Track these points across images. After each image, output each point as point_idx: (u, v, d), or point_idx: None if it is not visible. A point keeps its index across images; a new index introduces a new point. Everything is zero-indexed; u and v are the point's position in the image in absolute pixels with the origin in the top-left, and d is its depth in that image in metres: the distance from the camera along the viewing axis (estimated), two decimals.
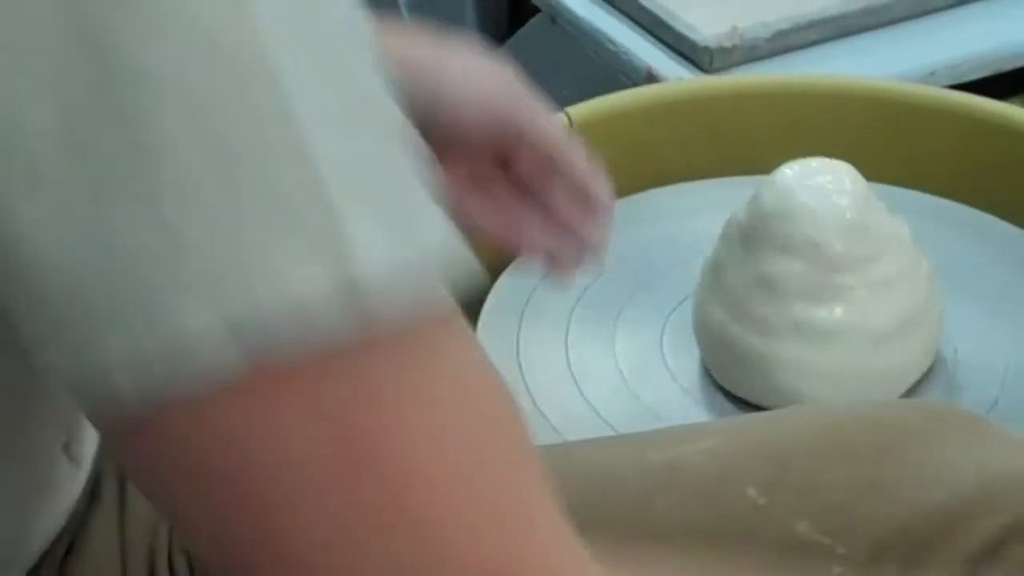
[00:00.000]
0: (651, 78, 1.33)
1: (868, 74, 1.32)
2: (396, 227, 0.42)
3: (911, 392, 1.02)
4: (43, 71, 0.40)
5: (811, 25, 1.37)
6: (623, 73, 1.37)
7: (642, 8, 1.39)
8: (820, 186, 0.99)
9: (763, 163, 1.06)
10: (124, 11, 0.40)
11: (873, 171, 1.06)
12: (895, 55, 1.36)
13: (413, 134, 0.44)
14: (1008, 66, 1.37)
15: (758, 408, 1.00)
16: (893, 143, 1.23)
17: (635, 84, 1.35)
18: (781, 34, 1.35)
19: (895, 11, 1.40)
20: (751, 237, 1.00)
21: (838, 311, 0.99)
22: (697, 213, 1.16)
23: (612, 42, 1.39)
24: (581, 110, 1.19)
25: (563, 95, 1.42)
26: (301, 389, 0.42)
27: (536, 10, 1.51)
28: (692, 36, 1.34)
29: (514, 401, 0.47)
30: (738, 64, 1.34)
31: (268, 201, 0.41)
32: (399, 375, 0.43)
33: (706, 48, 1.33)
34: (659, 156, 1.21)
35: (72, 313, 0.41)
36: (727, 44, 1.33)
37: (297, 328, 0.41)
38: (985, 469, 0.71)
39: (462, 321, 0.45)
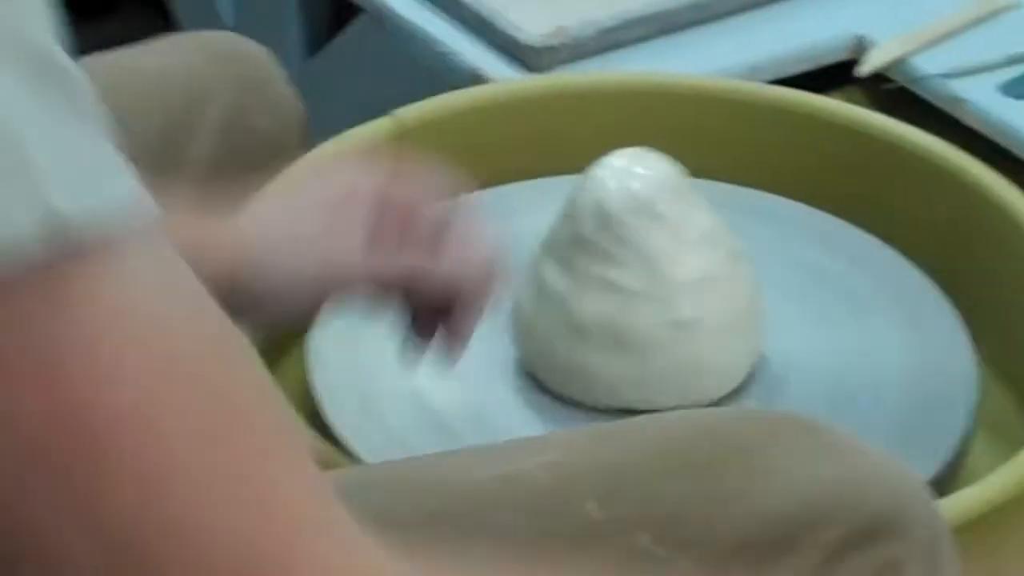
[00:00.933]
0: (478, 79, 1.32)
1: (694, 70, 1.32)
2: (84, 178, 0.46)
3: (735, 394, 1.02)
4: None
5: (637, 22, 1.37)
6: (450, 74, 1.35)
7: (466, 8, 1.37)
8: (633, 175, 0.99)
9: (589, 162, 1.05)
10: None
11: (699, 168, 1.06)
12: (720, 51, 1.37)
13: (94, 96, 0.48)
14: (828, 60, 1.38)
15: (581, 405, 1.00)
16: (717, 139, 1.23)
17: (462, 85, 1.34)
18: (607, 31, 1.35)
19: (720, 6, 1.40)
20: (568, 237, 0.99)
21: (652, 308, 0.98)
22: (518, 214, 1.15)
23: (437, 43, 1.37)
24: (409, 112, 1.18)
25: (388, 96, 1.41)
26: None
27: (359, 10, 1.49)
28: (517, 35, 1.33)
29: (245, 345, 0.49)
30: (565, 63, 1.33)
31: None
32: (89, 293, 0.46)
33: (531, 47, 1.32)
34: (484, 158, 1.19)
35: None
36: (553, 43, 1.32)
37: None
38: (823, 477, 0.70)
39: (155, 253, 0.48)
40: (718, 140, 1.23)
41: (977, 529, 0.88)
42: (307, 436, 0.88)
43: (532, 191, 1.18)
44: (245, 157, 1.05)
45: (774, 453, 0.71)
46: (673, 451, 0.72)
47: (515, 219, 1.14)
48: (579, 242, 0.99)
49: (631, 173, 0.99)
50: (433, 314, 0.87)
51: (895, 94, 1.35)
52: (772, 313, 1.06)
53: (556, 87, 1.27)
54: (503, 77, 1.31)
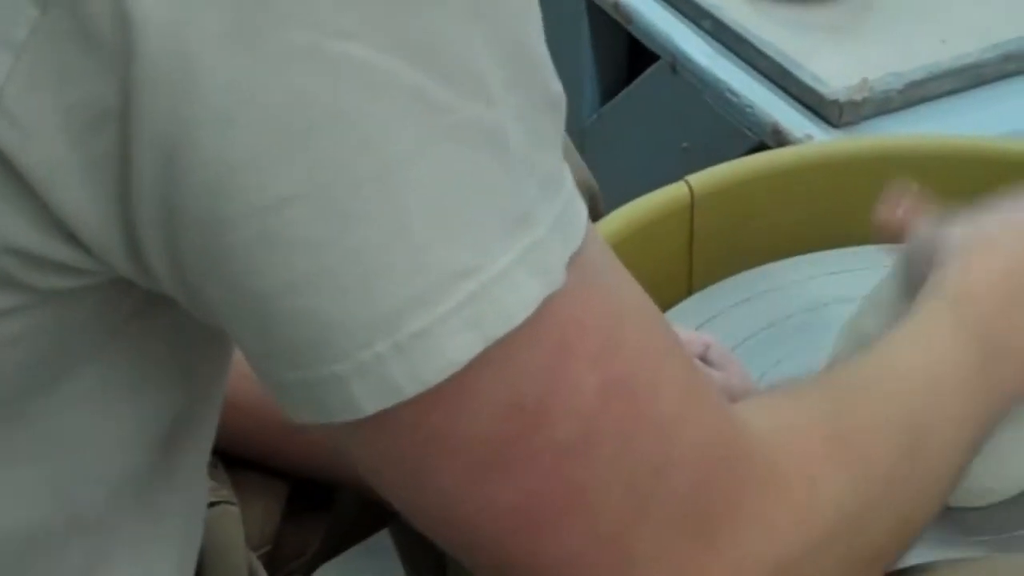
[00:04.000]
0: (776, 132, 1.27)
1: (1005, 126, 1.25)
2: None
3: None
4: None
5: (946, 74, 1.30)
6: (746, 127, 1.31)
7: (766, 57, 1.32)
8: None
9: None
10: None
11: None
12: None
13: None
14: None
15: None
16: None
17: (759, 137, 1.29)
18: (914, 85, 1.29)
19: None
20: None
21: None
22: (822, 284, 1.09)
23: (735, 93, 1.33)
24: (702, 178, 1.13)
25: (682, 147, 1.37)
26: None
27: (656, 57, 1.45)
28: (819, 88, 1.28)
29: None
30: (869, 117, 1.27)
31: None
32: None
33: (836, 102, 1.26)
34: (781, 225, 1.14)
35: (308, 331, 0.50)
36: (857, 97, 1.27)
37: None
38: None
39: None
40: None
41: None
42: None
43: (826, 263, 1.13)
44: None
45: None
46: None
47: (812, 294, 1.08)
48: None
49: None
50: None
51: None
52: None
53: (866, 149, 1.20)
54: (802, 132, 1.26)
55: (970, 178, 1.15)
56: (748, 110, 1.31)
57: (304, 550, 0.95)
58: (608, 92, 1.61)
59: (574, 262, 0.52)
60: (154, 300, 0.54)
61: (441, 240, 0.49)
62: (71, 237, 0.51)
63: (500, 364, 0.51)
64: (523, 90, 0.51)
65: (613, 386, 0.53)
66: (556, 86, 0.53)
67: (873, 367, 0.67)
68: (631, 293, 0.56)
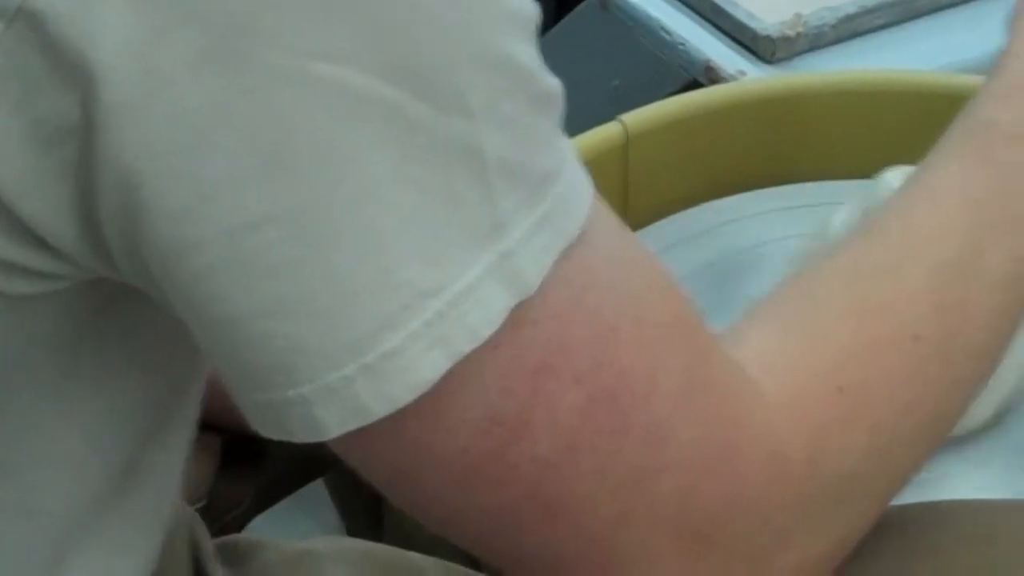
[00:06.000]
0: (710, 69, 1.26)
1: (938, 59, 1.24)
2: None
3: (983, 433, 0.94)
4: None
5: (879, 8, 1.28)
6: (679, 64, 1.29)
7: None
8: None
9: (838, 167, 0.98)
10: None
11: None
12: (966, 37, 1.28)
13: None
14: None
15: None
16: None
17: (692, 75, 1.27)
18: (848, 19, 1.27)
19: None
20: None
21: None
22: (762, 222, 1.08)
23: (667, 31, 1.31)
24: (636, 117, 1.11)
25: (614, 85, 1.35)
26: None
27: None
28: (752, 24, 1.26)
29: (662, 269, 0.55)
30: (802, 53, 1.26)
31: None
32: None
33: (768, 37, 1.25)
34: (720, 162, 1.13)
35: (275, 355, 0.49)
36: (790, 33, 1.25)
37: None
38: None
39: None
40: None
41: None
42: None
43: (767, 201, 1.11)
44: None
45: None
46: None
47: (752, 232, 1.07)
48: None
49: None
50: None
51: None
52: None
53: (798, 86, 1.19)
54: (735, 68, 1.25)
55: (907, 112, 1.15)
56: (681, 47, 1.29)
57: (239, 502, 0.94)
58: (536, 30, 1.59)
59: (567, 262, 0.51)
60: (124, 297, 0.53)
61: (410, 260, 0.48)
62: (41, 243, 0.49)
63: (474, 381, 0.50)
64: (509, 97, 0.49)
65: (600, 400, 0.52)
66: (548, 83, 0.51)
67: (895, 233, 0.63)
68: (636, 279, 0.54)
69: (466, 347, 0.49)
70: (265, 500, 0.97)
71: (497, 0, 0.50)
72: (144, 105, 0.46)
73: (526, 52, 0.51)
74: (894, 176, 0.91)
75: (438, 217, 0.48)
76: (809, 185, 1.10)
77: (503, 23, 0.50)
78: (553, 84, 0.52)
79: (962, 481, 0.91)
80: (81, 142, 0.47)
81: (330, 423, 0.50)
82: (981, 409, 0.93)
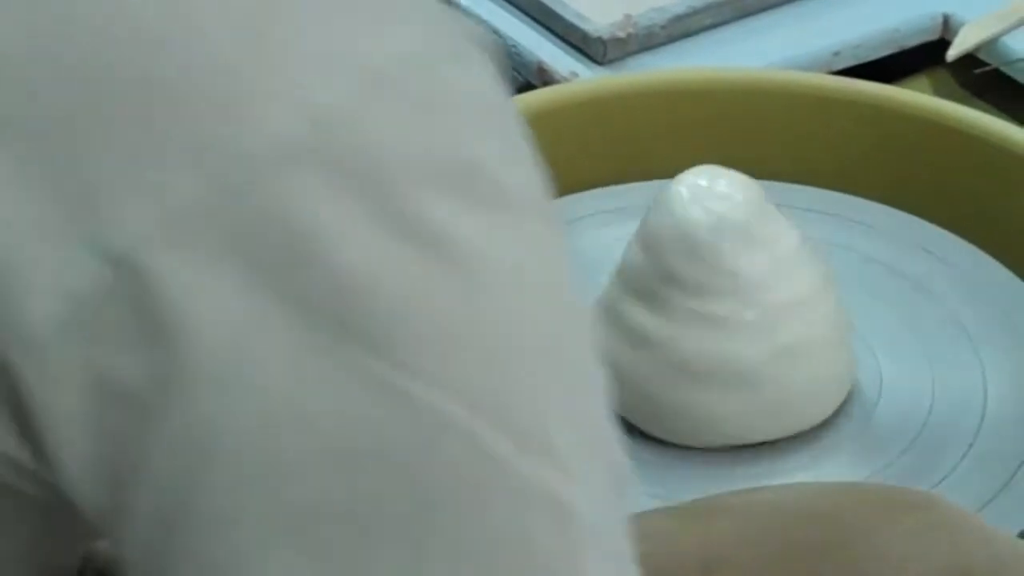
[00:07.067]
0: (542, 71, 1.26)
1: (769, 58, 1.25)
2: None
3: (827, 425, 0.95)
4: None
5: (709, 8, 1.29)
6: (511, 67, 1.29)
7: None
8: (717, 197, 0.92)
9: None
10: None
11: (766, 168, 1.01)
12: (796, 36, 1.29)
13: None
14: (913, 42, 1.30)
15: (674, 446, 0.94)
16: (783, 137, 1.16)
17: (525, 77, 1.27)
18: (677, 19, 1.28)
19: None
20: (651, 271, 0.93)
21: (756, 338, 0.92)
22: (584, 228, 1.08)
23: (498, 33, 1.30)
24: None
25: None
26: None
27: None
28: (583, 26, 1.26)
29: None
30: (634, 53, 1.26)
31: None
32: None
33: (599, 39, 1.25)
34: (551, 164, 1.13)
35: None
36: (620, 34, 1.25)
37: None
38: (935, 566, 0.64)
39: None
40: (793, 138, 1.16)
41: None
42: None
43: (594, 201, 1.12)
44: None
45: (880, 538, 0.64)
46: (767, 541, 0.65)
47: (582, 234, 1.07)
48: (666, 277, 0.92)
49: (714, 194, 0.92)
50: None
51: (987, 78, 1.27)
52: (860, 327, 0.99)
53: (626, 86, 1.19)
54: (568, 70, 1.25)
55: (740, 109, 1.16)
56: (512, 50, 1.29)
57: None
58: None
59: None
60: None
61: None
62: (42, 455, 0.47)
63: None
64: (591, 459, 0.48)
65: None
66: (620, 456, 0.50)
67: None
68: None
69: None
70: None
71: None
72: (224, 384, 0.44)
73: (608, 413, 0.50)
74: (677, 192, 0.93)
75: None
76: (638, 184, 1.11)
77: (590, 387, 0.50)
78: (623, 464, 0.51)
79: (812, 474, 0.92)
80: (142, 415, 0.45)
81: None
82: (828, 401, 0.95)
